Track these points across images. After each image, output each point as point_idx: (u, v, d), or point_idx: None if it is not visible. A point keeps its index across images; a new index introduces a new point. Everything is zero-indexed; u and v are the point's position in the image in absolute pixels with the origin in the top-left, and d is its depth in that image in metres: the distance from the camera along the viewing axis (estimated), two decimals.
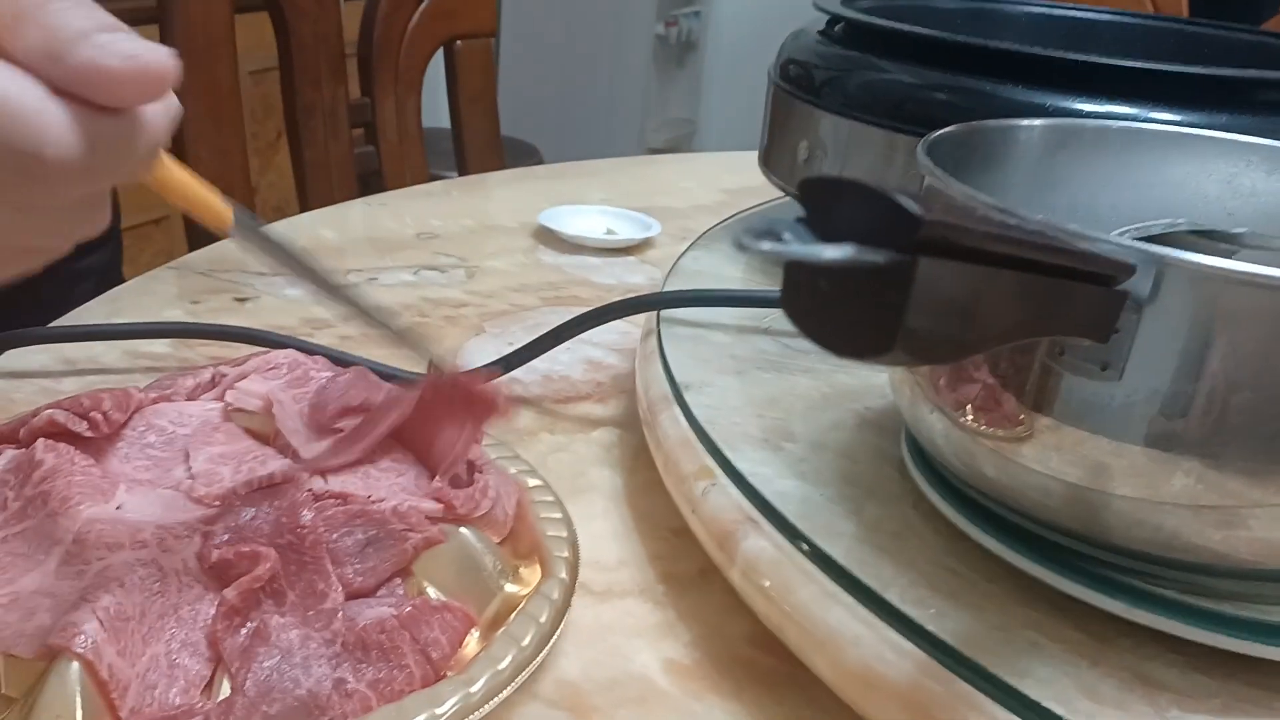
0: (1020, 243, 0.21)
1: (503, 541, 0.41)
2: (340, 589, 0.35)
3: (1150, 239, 0.39)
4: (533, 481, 0.45)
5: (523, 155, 2.17)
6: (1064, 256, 0.23)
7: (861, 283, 0.19)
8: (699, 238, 0.68)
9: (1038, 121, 0.43)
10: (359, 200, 0.88)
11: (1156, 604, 0.32)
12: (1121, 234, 0.40)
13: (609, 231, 0.83)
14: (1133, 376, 0.30)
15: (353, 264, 0.75)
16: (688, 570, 0.44)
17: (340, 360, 0.57)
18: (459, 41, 1.15)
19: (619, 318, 0.54)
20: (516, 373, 0.58)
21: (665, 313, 0.55)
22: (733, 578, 0.39)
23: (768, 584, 0.37)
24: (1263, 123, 0.50)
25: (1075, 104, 0.51)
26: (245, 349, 0.59)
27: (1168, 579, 0.33)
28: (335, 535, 0.36)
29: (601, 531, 0.47)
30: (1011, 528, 0.35)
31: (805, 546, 0.36)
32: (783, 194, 0.67)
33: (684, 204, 0.94)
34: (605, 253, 0.81)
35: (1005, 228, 0.21)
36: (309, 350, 0.57)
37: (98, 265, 0.80)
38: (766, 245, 0.18)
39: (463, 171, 1.16)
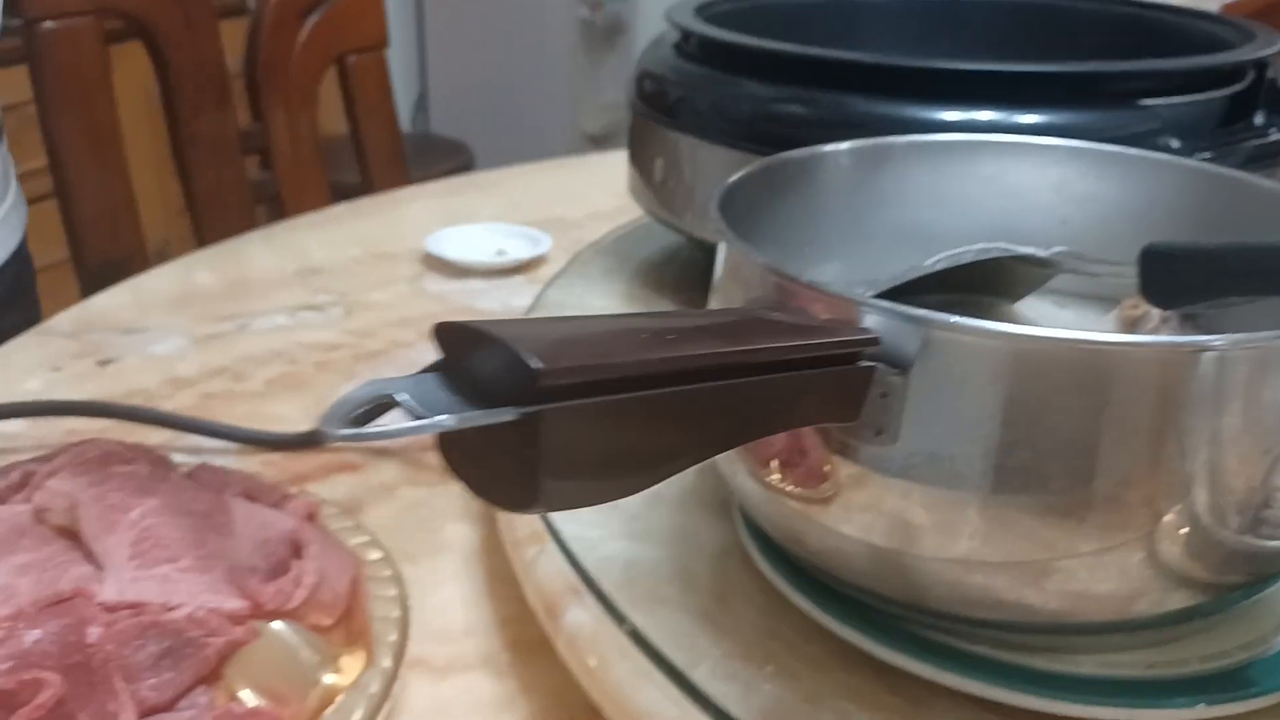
0: (686, 369, 0.20)
1: (336, 623, 0.40)
2: (133, 708, 0.33)
3: (962, 267, 0.38)
4: (372, 554, 0.44)
5: (452, 154, 2.14)
6: (773, 353, 0.22)
7: (501, 435, 0.18)
8: (569, 264, 0.66)
9: (843, 145, 0.41)
10: (241, 237, 0.86)
11: (966, 665, 0.31)
12: (935, 261, 0.39)
13: (499, 252, 0.81)
14: (908, 440, 0.28)
15: (227, 309, 0.73)
16: (536, 635, 0.43)
17: (190, 426, 0.56)
18: (351, 56, 1.13)
19: None
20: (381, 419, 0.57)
21: None
22: (559, 649, 0.37)
23: (590, 660, 0.35)
24: (1113, 116, 0.49)
25: (926, 111, 0.50)
26: (106, 421, 0.57)
27: (982, 637, 0.32)
28: (128, 650, 0.34)
29: (451, 597, 0.45)
30: (827, 587, 0.34)
31: (621, 622, 0.35)
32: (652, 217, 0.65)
33: (580, 213, 0.92)
34: (493, 274, 0.79)
35: (667, 353, 0.19)
36: (156, 421, 0.56)
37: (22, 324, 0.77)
38: (346, 431, 0.16)
39: (366, 186, 1.14)
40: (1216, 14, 0.64)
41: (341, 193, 1.41)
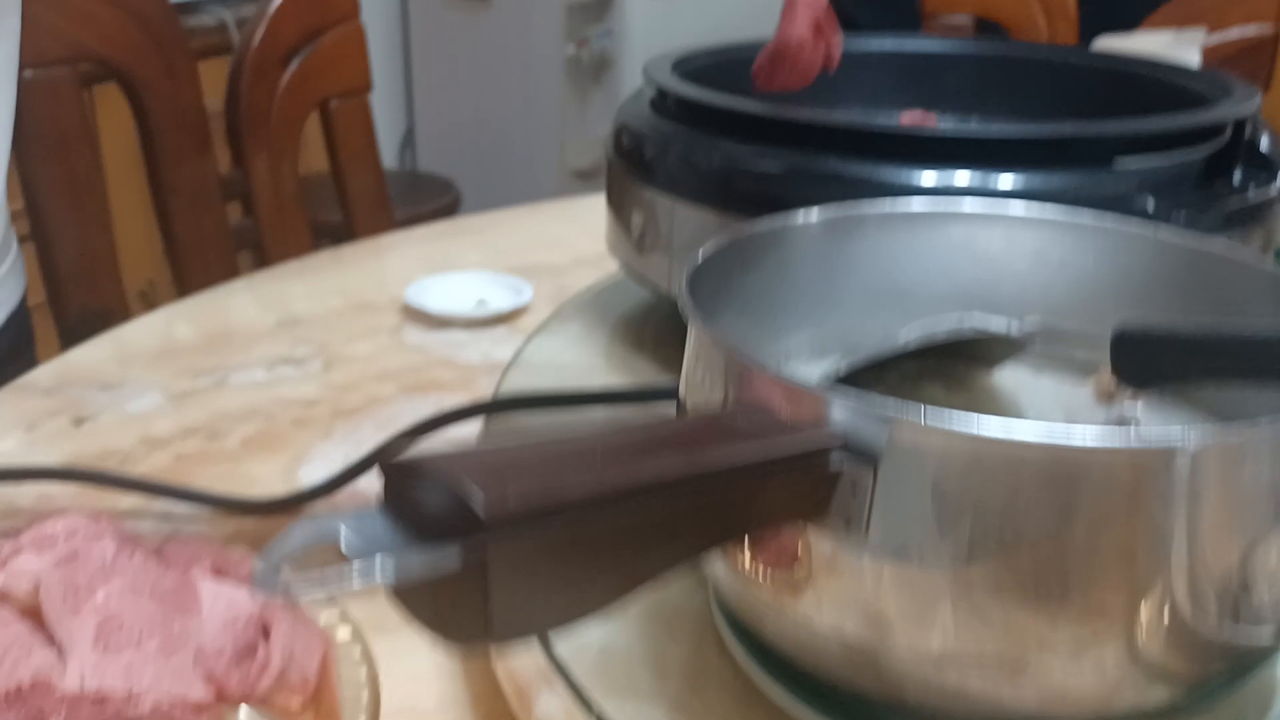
0: (642, 487, 0.19)
1: (305, 705, 0.39)
2: None
3: (933, 346, 0.37)
4: (342, 631, 0.43)
5: (439, 191, 2.15)
6: (735, 463, 0.21)
7: (448, 572, 0.17)
8: (549, 319, 0.66)
9: (814, 215, 0.41)
10: (223, 286, 0.85)
11: None
12: (908, 335, 0.39)
13: (480, 301, 0.81)
14: (878, 532, 0.28)
15: (206, 363, 0.72)
16: (509, 713, 0.42)
17: (162, 491, 0.55)
18: (334, 101, 1.12)
19: (425, 434, 0.52)
20: (362, 481, 0.56)
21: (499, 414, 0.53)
22: None
23: None
24: (1088, 178, 0.49)
25: (899, 173, 0.49)
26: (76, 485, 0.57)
27: None
28: None
29: (423, 671, 0.44)
30: (803, 673, 0.33)
31: (591, 710, 0.34)
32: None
33: (564, 259, 0.92)
34: (475, 325, 0.78)
35: (621, 473, 0.19)
36: (128, 486, 0.55)
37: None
38: (283, 587, 0.16)
39: (349, 232, 1.14)
40: (1195, 69, 0.64)
41: (323, 232, 1.41)
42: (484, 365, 0.72)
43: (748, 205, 0.52)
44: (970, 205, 0.44)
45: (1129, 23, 1.20)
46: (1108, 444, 0.25)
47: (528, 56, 2.30)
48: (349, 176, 1.13)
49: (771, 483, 0.23)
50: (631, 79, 2.60)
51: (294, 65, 1.09)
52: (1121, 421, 0.34)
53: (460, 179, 2.20)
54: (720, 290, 0.40)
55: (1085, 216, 0.42)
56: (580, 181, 2.40)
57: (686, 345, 0.35)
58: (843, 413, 0.27)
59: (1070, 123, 0.49)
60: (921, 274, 0.44)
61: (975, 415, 0.26)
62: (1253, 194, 0.52)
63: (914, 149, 0.49)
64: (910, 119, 0.69)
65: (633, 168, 0.59)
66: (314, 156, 1.19)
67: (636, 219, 0.59)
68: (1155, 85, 0.65)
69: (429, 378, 0.70)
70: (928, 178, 0.49)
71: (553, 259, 0.91)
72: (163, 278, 1.07)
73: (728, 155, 0.53)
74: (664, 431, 0.22)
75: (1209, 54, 1.15)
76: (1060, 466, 0.25)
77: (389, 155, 2.41)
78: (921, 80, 0.74)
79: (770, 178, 0.52)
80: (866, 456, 0.27)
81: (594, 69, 2.42)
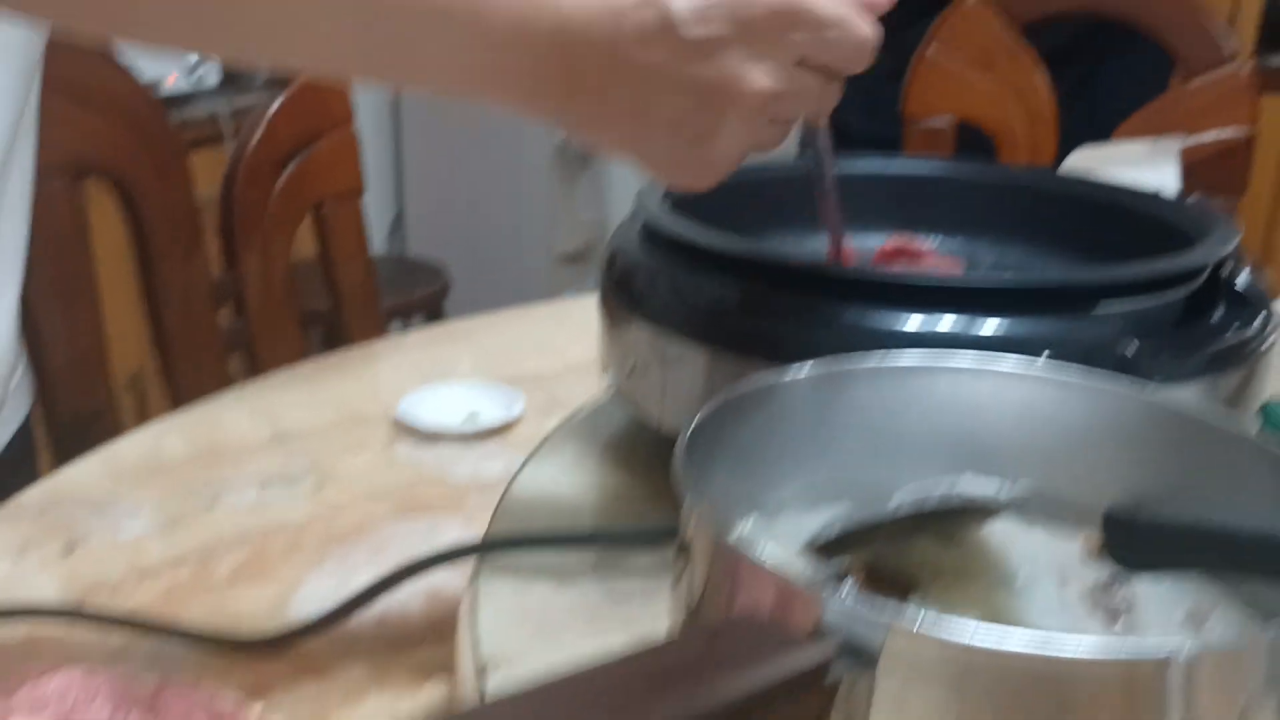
0: None
1: None
2: None
3: (924, 515, 0.38)
4: None
5: (429, 277, 2.16)
6: (732, 694, 0.22)
7: None
8: (541, 445, 0.66)
9: (803, 372, 0.42)
10: (214, 398, 0.86)
11: None
12: (897, 505, 0.39)
13: (472, 414, 0.81)
14: None
15: (198, 481, 0.72)
16: None
17: (153, 628, 0.55)
18: (326, 203, 1.14)
19: (417, 574, 0.52)
20: (352, 619, 0.56)
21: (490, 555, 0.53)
22: None
23: None
24: (1068, 324, 0.50)
25: (886, 318, 0.50)
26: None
27: None
28: None
29: None
30: None
31: None
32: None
33: (556, 365, 0.92)
34: (466, 440, 0.79)
35: None
36: (119, 623, 0.55)
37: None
38: None
39: (339, 325, 1.14)
40: (1176, 200, 0.66)
41: (312, 320, 1.40)
42: (475, 483, 0.72)
43: (736, 344, 0.53)
44: (958, 360, 0.44)
45: (1107, 127, 1.23)
46: (1099, 655, 0.25)
47: (517, 144, 2.33)
48: (340, 276, 1.14)
49: (773, 704, 0.23)
50: (620, 164, 2.64)
51: (289, 169, 1.10)
52: (1114, 593, 0.35)
53: (450, 264, 2.22)
54: (715, 443, 0.40)
55: (1070, 373, 0.43)
56: (569, 265, 2.43)
57: (680, 526, 0.35)
58: (839, 615, 0.27)
59: (1051, 270, 0.51)
60: (912, 425, 0.44)
61: (970, 623, 0.26)
62: (1233, 335, 0.53)
63: (899, 294, 0.50)
64: (895, 244, 0.71)
65: (623, 297, 0.60)
66: (303, 243, 1.20)
67: (627, 347, 0.59)
68: (1134, 215, 0.67)
69: (420, 497, 0.71)
70: (913, 323, 0.50)
71: (544, 366, 0.92)
72: (151, 366, 1.07)
73: (716, 294, 0.54)
74: (660, 665, 0.22)
75: (1186, 156, 1.18)
76: (1052, 676, 0.26)
77: (379, 240, 2.43)
78: (907, 203, 0.76)
79: (757, 319, 0.53)
80: (865, 659, 0.27)
81: (582, 155, 2.46)
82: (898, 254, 0.69)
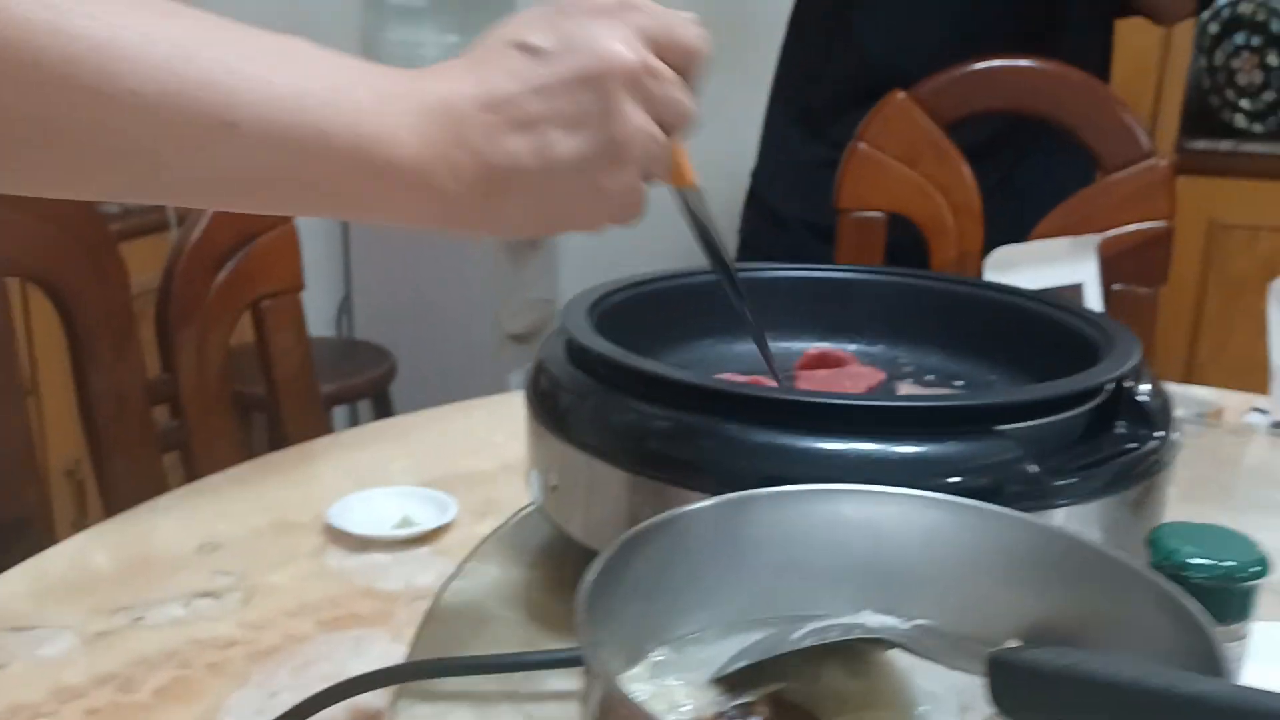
0: None
1: None
2: None
3: (830, 645, 0.39)
4: None
5: (375, 360, 2.16)
6: None
7: None
8: (470, 556, 0.66)
9: (706, 504, 0.43)
10: (144, 507, 0.85)
11: None
12: (802, 636, 0.40)
13: (404, 519, 0.81)
14: None
15: (123, 598, 0.71)
16: None
17: None
18: (265, 301, 1.14)
19: (340, 698, 0.52)
20: None
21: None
22: None
23: None
24: (971, 445, 0.51)
25: (792, 437, 0.52)
26: None
27: None
28: None
29: None
30: None
31: None
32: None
33: (491, 464, 0.93)
34: (398, 547, 0.79)
35: None
36: None
37: None
38: None
39: (278, 436, 1.14)
40: (1084, 309, 0.68)
41: (248, 405, 1.39)
42: (405, 593, 0.72)
43: (654, 467, 0.54)
44: (863, 486, 0.46)
45: (1032, 219, 1.27)
46: None
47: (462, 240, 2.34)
48: (278, 370, 1.14)
49: None
50: (566, 242, 2.66)
51: (229, 266, 1.11)
52: None
53: (397, 346, 2.22)
54: (624, 577, 0.41)
55: (969, 501, 0.44)
56: (518, 345, 2.43)
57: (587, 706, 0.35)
58: None
59: (955, 394, 0.52)
60: (819, 553, 0.45)
61: None
62: (1135, 450, 0.55)
63: (806, 416, 0.51)
64: (816, 352, 0.72)
65: (546, 414, 0.61)
66: (242, 328, 1.19)
67: (549, 464, 0.60)
68: (1045, 321, 0.69)
69: (349, 611, 0.70)
70: (822, 444, 0.51)
71: (479, 465, 0.92)
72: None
73: (633, 416, 0.55)
74: None
75: (1107, 246, 1.22)
76: None
77: (326, 323, 2.43)
78: (829, 307, 0.78)
79: (669, 440, 0.54)
80: None
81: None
82: (819, 362, 0.71)
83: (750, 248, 1.64)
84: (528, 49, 0.47)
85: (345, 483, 0.86)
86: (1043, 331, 0.69)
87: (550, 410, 0.61)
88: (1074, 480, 0.52)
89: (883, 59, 1.43)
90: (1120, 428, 0.56)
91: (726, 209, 1.69)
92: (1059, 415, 0.54)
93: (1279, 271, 2.28)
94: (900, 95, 1.28)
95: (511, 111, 0.47)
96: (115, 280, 1.03)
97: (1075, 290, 1.09)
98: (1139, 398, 0.57)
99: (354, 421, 2.38)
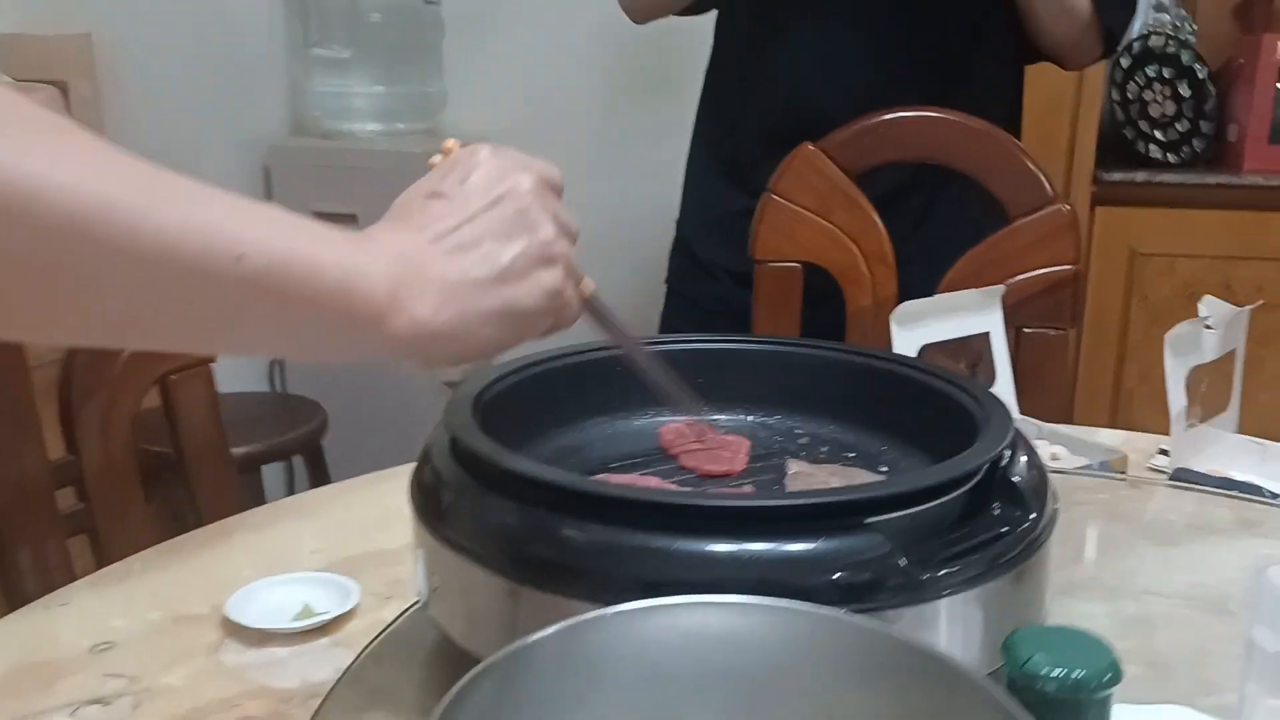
0: None
1: None
2: None
3: None
4: None
5: (307, 415, 2.13)
6: None
7: None
8: (359, 657, 0.65)
9: (548, 631, 0.42)
10: (37, 605, 0.83)
11: None
12: None
13: (304, 607, 0.80)
14: None
15: (6, 710, 0.69)
16: None
17: None
18: (173, 375, 1.12)
19: None
20: None
21: None
22: None
23: None
24: (841, 540, 0.51)
25: (663, 541, 0.51)
26: None
27: None
28: None
29: None
30: None
31: None
32: None
33: (399, 541, 0.90)
34: (297, 639, 0.77)
35: None
36: None
37: None
38: None
39: (189, 508, 1.12)
40: (966, 381, 0.69)
41: (161, 464, 1.36)
42: (300, 691, 0.71)
43: (528, 571, 0.53)
44: (708, 597, 0.45)
45: (943, 266, 1.28)
46: None
47: None
48: (190, 450, 1.12)
49: None
50: None
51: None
52: None
53: (330, 400, 2.19)
54: (482, 708, 0.40)
55: (818, 608, 0.44)
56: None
57: None
58: None
59: (823, 491, 0.52)
60: (676, 662, 0.45)
61: None
62: (1010, 533, 0.55)
63: (676, 517, 0.51)
64: (673, 429, 0.72)
65: (428, 511, 0.60)
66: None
67: (430, 563, 0.59)
68: (928, 393, 0.70)
69: (242, 714, 0.69)
70: (691, 544, 0.51)
71: (387, 543, 0.91)
72: None
73: (507, 518, 0.55)
74: None
75: (1015, 291, 1.23)
76: None
77: (258, 378, 2.40)
78: (725, 378, 0.78)
79: (545, 545, 0.53)
80: None
81: None
82: (679, 436, 0.71)
83: (678, 294, 1.64)
84: (441, 195, 0.56)
85: (249, 569, 0.85)
86: (927, 402, 0.69)
87: (432, 507, 0.60)
88: (949, 571, 0.52)
89: (800, 104, 1.44)
90: (995, 508, 0.57)
91: (656, 254, 1.70)
92: (931, 503, 0.54)
93: (1198, 297, 2.33)
94: (810, 147, 1.29)
95: (453, 240, 0.54)
96: (12, 363, 1.01)
97: (982, 339, 1.10)
98: (1013, 478, 0.58)
99: (289, 477, 2.35)
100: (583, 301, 0.62)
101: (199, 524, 1.11)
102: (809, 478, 0.66)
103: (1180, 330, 0.96)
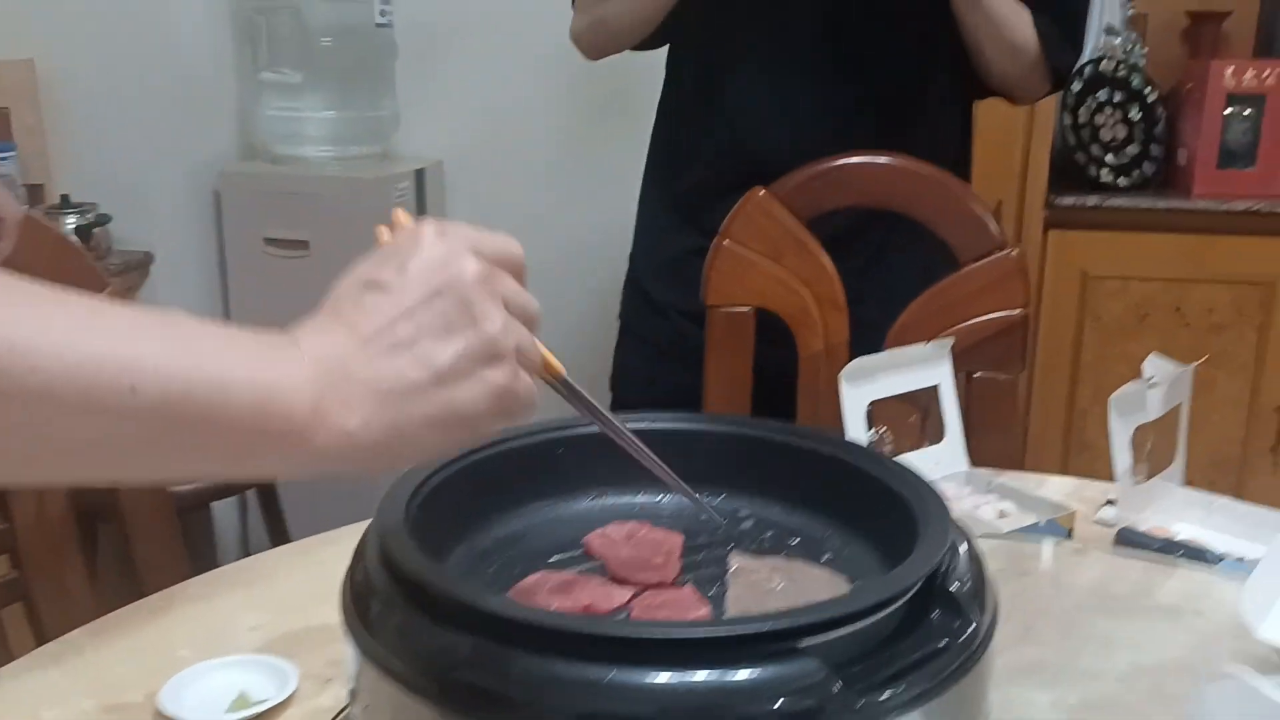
0: None
1: None
2: None
3: None
4: None
5: None
6: None
7: None
8: None
9: None
10: None
11: None
12: None
13: (239, 698, 0.78)
14: None
15: None
16: None
17: None
18: None
19: None
20: None
21: None
22: None
23: None
24: (779, 669, 0.50)
25: (592, 671, 0.50)
26: None
27: None
28: None
29: None
30: None
31: None
32: None
33: (338, 615, 0.90)
34: None
35: None
36: None
37: None
38: None
39: (133, 579, 1.09)
40: (909, 474, 0.68)
41: (95, 513, 1.32)
42: None
43: (453, 699, 0.52)
44: None
45: (896, 303, 1.28)
46: None
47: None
48: (130, 510, 1.10)
49: None
50: None
51: None
52: None
53: None
54: None
55: None
56: None
57: None
58: None
59: (759, 618, 0.51)
60: None
61: None
62: (947, 641, 0.54)
63: (597, 647, 0.50)
64: (597, 541, 0.71)
65: (357, 621, 0.59)
66: None
67: (359, 680, 0.58)
68: (867, 480, 0.69)
69: None
70: (619, 674, 0.50)
71: (328, 616, 0.89)
72: None
73: (436, 641, 0.53)
74: None
75: (965, 336, 1.23)
76: None
77: None
78: (671, 460, 0.76)
79: (461, 669, 0.52)
80: None
81: None
82: (608, 543, 0.70)
83: (630, 332, 1.63)
84: (378, 286, 0.51)
85: (185, 648, 0.83)
86: (869, 492, 0.69)
87: (361, 614, 0.59)
88: (890, 693, 0.51)
89: (749, 144, 1.44)
90: (935, 616, 0.56)
91: (612, 279, 1.69)
92: (869, 620, 0.53)
93: (1150, 318, 2.36)
94: (761, 193, 1.29)
95: (386, 339, 0.50)
96: None
97: (931, 392, 1.10)
98: (951, 586, 0.57)
99: (242, 514, 2.31)
100: (559, 384, 0.58)
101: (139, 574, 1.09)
102: (750, 574, 0.65)
103: (1125, 391, 0.96)
